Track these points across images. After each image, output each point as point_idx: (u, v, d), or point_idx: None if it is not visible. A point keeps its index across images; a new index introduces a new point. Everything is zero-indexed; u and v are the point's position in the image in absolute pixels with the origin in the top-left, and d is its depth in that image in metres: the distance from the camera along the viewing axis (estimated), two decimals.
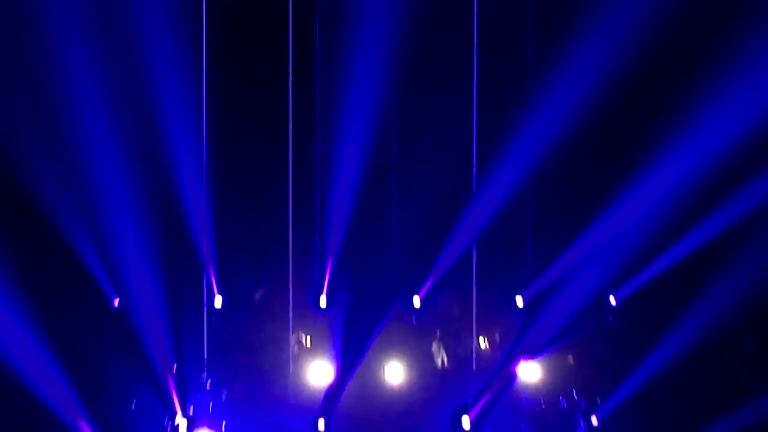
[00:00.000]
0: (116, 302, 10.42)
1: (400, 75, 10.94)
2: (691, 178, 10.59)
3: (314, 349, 10.82)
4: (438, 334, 11.21)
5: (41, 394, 9.51)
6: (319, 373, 10.65)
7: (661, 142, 10.83)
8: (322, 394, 10.57)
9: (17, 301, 9.35)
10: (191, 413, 10.20)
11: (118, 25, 10.27)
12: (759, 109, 10.53)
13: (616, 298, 10.90)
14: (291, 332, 10.77)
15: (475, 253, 11.30)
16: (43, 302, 9.61)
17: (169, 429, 9.99)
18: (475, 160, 11.14)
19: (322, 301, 10.83)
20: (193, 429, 9.98)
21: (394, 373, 10.96)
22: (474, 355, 11.04)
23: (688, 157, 10.67)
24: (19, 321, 9.36)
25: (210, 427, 10.01)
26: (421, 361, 11.10)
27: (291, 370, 10.76)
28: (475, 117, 11.28)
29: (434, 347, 11.19)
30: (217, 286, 10.67)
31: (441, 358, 11.20)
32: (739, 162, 10.39)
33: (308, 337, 10.81)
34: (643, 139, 10.81)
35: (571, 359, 10.93)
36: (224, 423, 10.07)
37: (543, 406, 10.84)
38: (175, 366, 10.40)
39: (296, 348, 10.77)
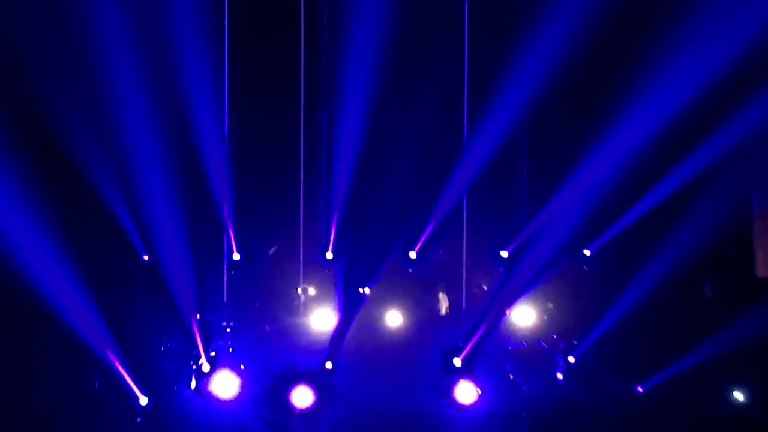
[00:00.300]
0: (146, 257, 11.44)
1: (396, 29, 11.59)
2: (657, 130, 11.36)
3: (321, 297, 11.79)
4: (440, 285, 12.19)
5: (84, 337, 10.61)
6: (325, 318, 11.66)
7: (631, 94, 11.51)
8: (329, 337, 11.54)
9: (61, 253, 10.55)
10: (213, 356, 11.23)
11: None
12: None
13: (591, 248, 12.05)
14: (301, 283, 11.93)
15: (465, 204, 12.11)
16: (84, 257, 10.66)
17: (194, 370, 11.00)
18: (466, 112, 11.97)
19: (328, 255, 11.79)
20: (215, 370, 10.96)
21: (393, 318, 11.90)
22: (464, 303, 11.90)
23: (657, 108, 11.41)
24: (63, 271, 10.48)
25: (230, 369, 11.00)
26: (416, 308, 12.03)
27: (301, 317, 11.78)
28: (466, 67, 12.04)
29: (440, 295, 12.20)
30: (235, 243, 11.63)
31: (442, 305, 12.19)
32: (700, 114, 11.26)
33: (314, 288, 11.92)
34: (615, 92, 11.45)
35: (550, 305, 11.99)
36: (242, 365, 11.10)
37: (525, 347, 11.89)
38: (198, 314, 11.40)
39: (304, 297, 11.96)
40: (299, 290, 11.88)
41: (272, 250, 12.14)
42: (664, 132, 11.51)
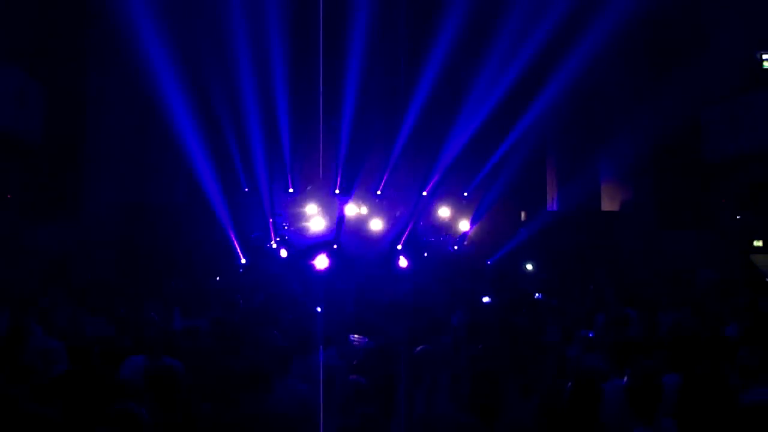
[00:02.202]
0: (246, 189, 19.68)
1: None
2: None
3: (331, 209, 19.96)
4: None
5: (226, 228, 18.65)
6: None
7: None
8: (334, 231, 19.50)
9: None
10: (278, 240, 19.38)
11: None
12: None
13: None
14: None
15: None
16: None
17: (269, 246, 19.19)
18: None
19: (336, 191, 19.66)
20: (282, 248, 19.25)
21: (375, 224, 19.91)
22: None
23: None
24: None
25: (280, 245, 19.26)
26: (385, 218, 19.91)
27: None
28: None
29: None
30: (291, 180, 19.83)
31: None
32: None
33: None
34: None
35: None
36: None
37: (433, 240, 20.36)
38: (270, 218, 19.42)
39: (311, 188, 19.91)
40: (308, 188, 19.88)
41: (309, 187, 20.31)
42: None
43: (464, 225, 20.55)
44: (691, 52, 16.80)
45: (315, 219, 20.04)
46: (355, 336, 7.82)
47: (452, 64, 18.49)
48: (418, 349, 6.39)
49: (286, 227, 19.80)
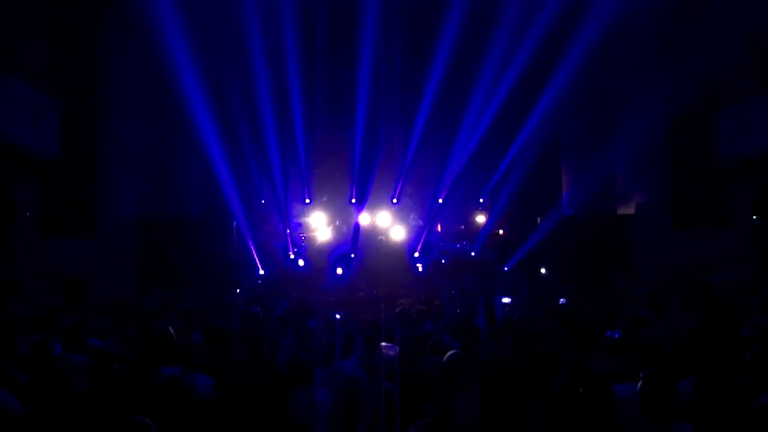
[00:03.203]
0: (263, 201, 19.97)
1: None
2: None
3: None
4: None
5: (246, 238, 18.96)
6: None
7: None
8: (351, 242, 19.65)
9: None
10: (296, 251, 19.59)
11: None
12: None
13: None
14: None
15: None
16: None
17: (288, 256, 19.28)
18: None
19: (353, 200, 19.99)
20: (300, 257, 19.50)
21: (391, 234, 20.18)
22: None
23: None
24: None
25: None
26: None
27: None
28: None
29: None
30: (307, 192, 19.92)
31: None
32: None
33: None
34: None
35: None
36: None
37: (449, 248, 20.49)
38: (289, 230, 19.63)
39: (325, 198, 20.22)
40: (324, 198, 20.06)
41: (324, 198, 20.40)
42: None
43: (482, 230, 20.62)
44: (704, 48, 16.86)
45: (330, 229, 20.26)
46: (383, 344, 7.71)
47: (460, 67, 18.70)
48: (450, 354, 6.23)
49: (303, 237, 19.98)
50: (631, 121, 18.93)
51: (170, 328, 7.93)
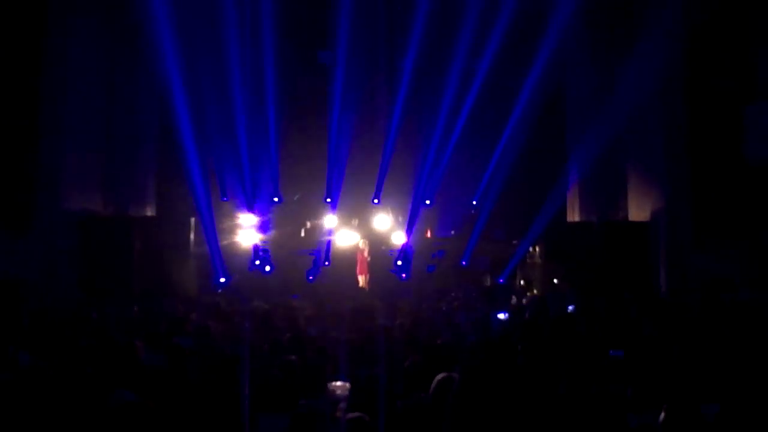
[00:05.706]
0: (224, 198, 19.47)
1: None
2: None
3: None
4: None
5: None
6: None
7: None
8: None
9: None
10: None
11: None
12: None
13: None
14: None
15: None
16: None
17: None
18: None
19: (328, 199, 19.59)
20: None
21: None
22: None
23: None
24: None
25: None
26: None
27: None
28: None
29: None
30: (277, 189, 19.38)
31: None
32: None
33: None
34: None
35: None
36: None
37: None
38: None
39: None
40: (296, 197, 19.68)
41: (297, 197, 19.84)
42: None
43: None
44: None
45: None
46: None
47: (441, 62, 18.43)
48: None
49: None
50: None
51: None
